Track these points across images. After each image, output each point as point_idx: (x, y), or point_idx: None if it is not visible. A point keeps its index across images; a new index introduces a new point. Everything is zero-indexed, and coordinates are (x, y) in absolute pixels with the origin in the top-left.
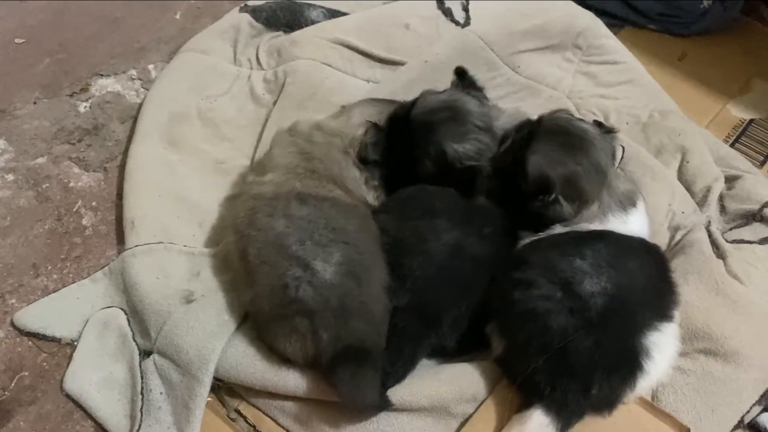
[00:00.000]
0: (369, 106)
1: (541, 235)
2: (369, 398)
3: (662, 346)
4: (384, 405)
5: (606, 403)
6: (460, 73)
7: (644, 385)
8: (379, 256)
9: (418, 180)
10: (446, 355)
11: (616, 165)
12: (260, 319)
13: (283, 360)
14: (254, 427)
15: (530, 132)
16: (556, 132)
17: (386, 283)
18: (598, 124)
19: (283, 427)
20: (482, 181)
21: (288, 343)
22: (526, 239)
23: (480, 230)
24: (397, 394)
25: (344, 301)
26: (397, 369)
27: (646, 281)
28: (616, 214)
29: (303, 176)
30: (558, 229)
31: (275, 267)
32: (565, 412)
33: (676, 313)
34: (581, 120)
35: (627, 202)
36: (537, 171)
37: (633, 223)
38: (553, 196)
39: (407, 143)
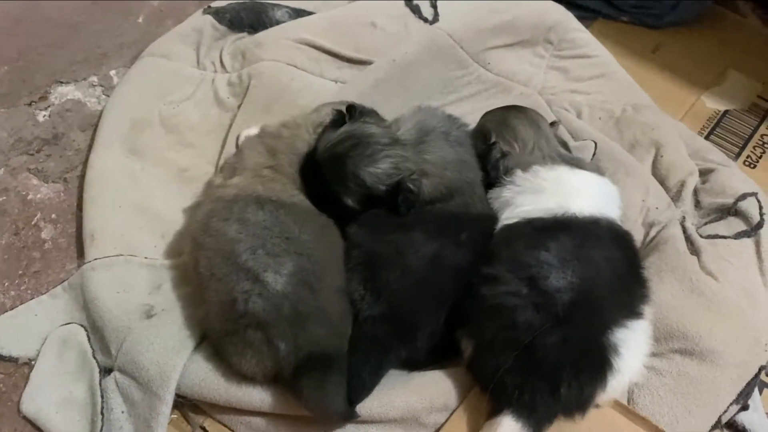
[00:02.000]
0: (339, 103)
1: (512, 219)
2: (337, 406)
3: (631, 343)
4: (352, 414)
5: (577, 405)
6: (348, 109)
7: (615, 384)
8: (334, 263)
9: (349, 219)
10: (416, 365)
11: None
12: (214, 336)
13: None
14: None
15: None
16: (503, 108)
17: (341, 287)
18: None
19: None
20: (409, 194)
21: (243, 359)
22: (498, 227)
23: (457, 238)
24: (366, 405)
25: (298, 308)
26: (363, 378)
27: (613, 274)
28: (560, 164)
29: (267, 179)
30: (510, 186)
31: (224, 282)
32: (535, 416)
33: (647, 309)
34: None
35: (573, 163)
36: (479, 129)
37: (584, 179)
38: (491, 140)
39: (322, 187)
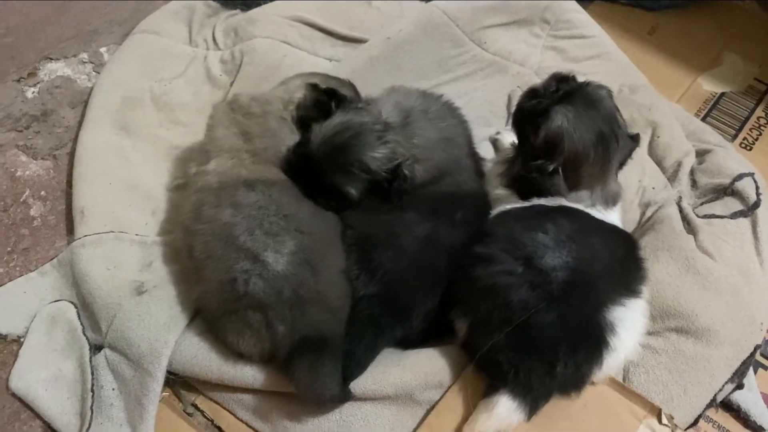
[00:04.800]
0: (309, 75)
1: (517, 204)
2: (329, 390)
3: (627, 321)
4: (345, 397)
5: (572, 383)
6: (330, 95)
7: (611, 363)
8: (335, 241)
9: (344, 210)
10: (410, 344)
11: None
12: (210, 315)
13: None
14: (212, 421)
15: (568, 91)
16: (591, 107)
17: (343, 268)
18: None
19: (242, 420)
20: (403, 181)
21: (241, 339)
22: (497, 210)
23: (452, 217)
24: (360, 382)
25: (298, 291)
26: (357, 356)
27: (610, 255)
28: (598, 208)
29: (248, 162)
30: (538, 201)
31: (222, 260)
32: (531, 394)
33: (644, 289)
34: (617, 109)
35: (611, 201)
36: (554, 131)
37: (608, 219)
38: (554, 165)
39: (319, 179)
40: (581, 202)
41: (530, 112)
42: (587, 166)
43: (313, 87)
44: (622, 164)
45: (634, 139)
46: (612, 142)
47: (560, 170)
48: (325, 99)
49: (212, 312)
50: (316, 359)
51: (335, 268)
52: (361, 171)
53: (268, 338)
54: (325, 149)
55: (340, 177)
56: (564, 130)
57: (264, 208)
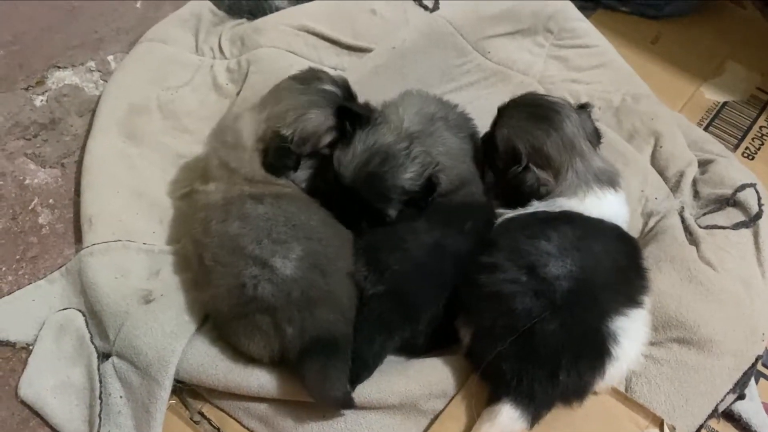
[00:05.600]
0: (302, 84)
1: (519, 211)
2: (338, 390)
3: (630, 331)
4: (349, 403)
5: (575, 392)
6: (342, 113)
7: (614, 372)
8: (344, 246)
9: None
10: (415, 351)
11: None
12: (219, 319)
13: (247, 360)
14: (218, 429)
15: (499, 110)
16: (523, 106)
17: (351, 270)
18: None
19: (248, 428)
20: (436, 187)
21: (251, 341)
22: (500, 218)
23: (461, 227)
24: (364, 392)
25: (308, 293)
26: (367, 358)
27: (613, 265)
28: (596, 191)
29: (245, 184)
30: (537, 205)
31: (231, 266)
32: (533, 403)
33: (646, 299)
34: (551, 97)
35: (606, 180)
36: (504, 143)
37: (610, 203)
38: (523, 164)
39: (359, 207)
40: (575, 190)
41: (485, 140)
42: (550, 145)
43: (277, 136)
44: (592, 136)
45: (584, 107)
46: (557, 118)
47: (530, 165)
48: (288, 149)
49: (222, 316)
50: (326, 360)
51: (344, 270)
52: (399, 194)
53: (277, 340)
54: (360, 180)
55: (379, 204)
56: (512, 137)
57: (272, 220)
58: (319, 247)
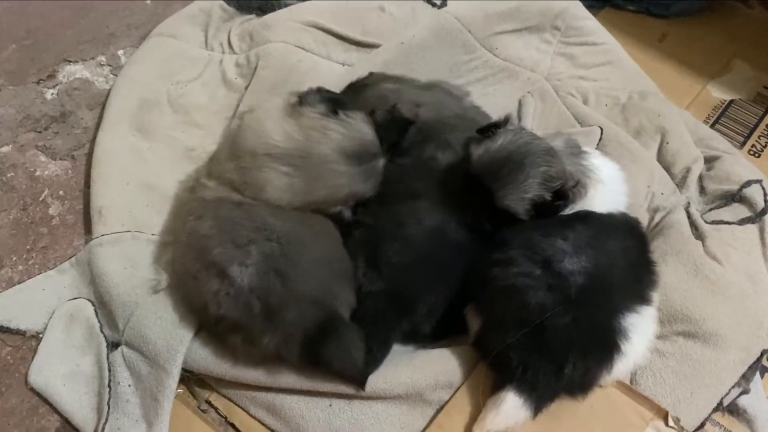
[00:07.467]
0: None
1: None
2: (359, 361)
3: (641, 328)
4: (366, 374)
5: (580, 385)
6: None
7: (621, 368)
8: (318, 235)
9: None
10: (421, 341)
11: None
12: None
13: None
14: (225, 418)
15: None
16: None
17: (326, 253)
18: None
19: (255, 417)
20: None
21: (245, 351)
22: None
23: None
24: (371, 382)
25: (268, 301)
26: (374, 353)
27: (625, 263)
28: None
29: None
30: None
31: (196, 279)
32: (537, 393)
33: (654, 296)
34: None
35: (579, 151)
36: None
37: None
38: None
39: (485, 200)
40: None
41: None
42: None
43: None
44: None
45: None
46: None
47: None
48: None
49: (209, 326)
50: (336, 339)
51: (311, 259)
52: (534, 190)
53: (260, 349)
54: (494, 168)
55: (514, 195)
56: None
57: (238, 223)
58: (276, 247)
